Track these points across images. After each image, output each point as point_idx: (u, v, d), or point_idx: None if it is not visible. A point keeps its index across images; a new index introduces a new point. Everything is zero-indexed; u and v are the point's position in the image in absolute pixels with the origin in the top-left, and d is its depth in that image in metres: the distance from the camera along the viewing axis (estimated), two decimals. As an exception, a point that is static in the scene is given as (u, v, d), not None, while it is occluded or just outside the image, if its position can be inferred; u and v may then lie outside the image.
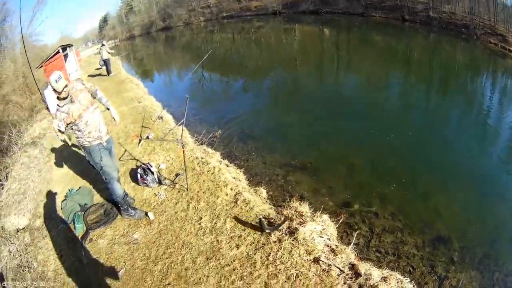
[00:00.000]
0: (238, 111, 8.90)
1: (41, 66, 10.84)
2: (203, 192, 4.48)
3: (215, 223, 3.94)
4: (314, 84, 10.67)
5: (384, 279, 2.95)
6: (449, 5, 15.13)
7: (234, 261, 3.44)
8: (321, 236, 3.51)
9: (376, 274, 2.98)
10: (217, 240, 3.72)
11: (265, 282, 3.15)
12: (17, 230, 4.89)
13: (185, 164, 4.50)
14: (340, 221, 3.88)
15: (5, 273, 4.24)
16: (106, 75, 13.54)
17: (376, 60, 10.84)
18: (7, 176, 6.22)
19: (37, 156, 6.96)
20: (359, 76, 10.64)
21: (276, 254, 3.35)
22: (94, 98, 4.06)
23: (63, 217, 4.78)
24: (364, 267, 3.06)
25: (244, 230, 3.74)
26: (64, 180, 5.60)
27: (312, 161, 5.84)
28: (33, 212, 5.07)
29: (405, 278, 3.00)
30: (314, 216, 3.76)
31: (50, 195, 5.34)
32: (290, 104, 9.02)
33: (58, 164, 6.16)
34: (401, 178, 5.14)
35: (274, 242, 3.48)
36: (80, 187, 5.26)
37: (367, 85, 9.82)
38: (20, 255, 4.43)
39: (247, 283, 3.19)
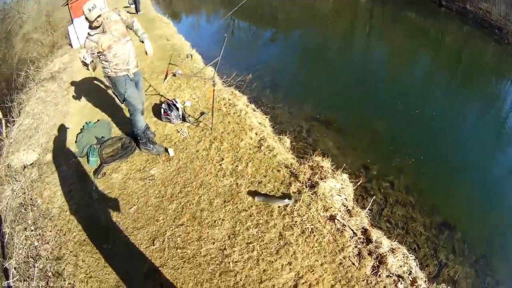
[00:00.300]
0: (268, 60, 8.85)
1: (67, 4, 10.52)
2: (227, 134, 4.40)
3: (237, 166, 3.89)
4: (344, 46, 10.58)
5: (392, 250, 2.95)
6: (486, 3, 14.38)
7: (251, 207, 3.41)
8: (339, 195, 3.47)
9: (386, 243, 2.97)
10: (237, 184, 3.68)
11: (280, 232, 3.14)
12: (24, 167, 4.83)
13: (213, 102, 4.41)
14: (358, 184, 3.82)
15: (4, 215, 4.20)
16: (134, 13, 13.13)
17: (406, 36, 10.57)
18: (19, 112, 6.10)
19: (54, 90, 6.81)
20: (389, 48, 10.44)
21: (294, 206, 3.30)
22: (130, 29, 3.96)
23: (77, 150, 4.69)
24: (376, 234, 3.05)
25: (265, 177, 3.68)
26: (82, 113, 5.48)
27: (337, 120, 5.84)
28: (44, 147, 4.99)
29: (411, 255, 2.99)
30: (334, 173, 3.70)
31: (65, 129, 5.25)
32: (320, 61, 8.91)
33: (77, 96, 5.98)
34: (420, 155, 5.16)
35: (294, 193, 3.42)
36: (98, 120, 5.14)
37: (395, 58, 9.66)
38: (24, 193, 4.38)
39: (262, 231, 3.18)
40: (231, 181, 3.74)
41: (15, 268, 3.60)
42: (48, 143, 5.05)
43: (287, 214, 3.28)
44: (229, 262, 3.03)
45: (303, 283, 2.77)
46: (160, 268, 3.15)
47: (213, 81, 4.38)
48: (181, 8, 19.43)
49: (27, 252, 3.75)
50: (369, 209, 3.53)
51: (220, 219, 3.40)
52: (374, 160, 5.02)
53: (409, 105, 6.44)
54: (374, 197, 4.22)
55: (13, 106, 6.30)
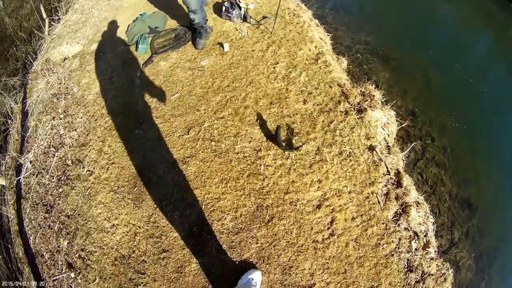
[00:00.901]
0: None
1: None
2: (287, 40, 4.10)
3: (290, 72, 3.63)
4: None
5: (417, 204, 2.78)
6: None
7: (296, 114, 3.22)
8: (383, 128, 3.29)
9: (413, 194, 2.81)
10: (287, 89, 3.45)
11: (318, 147, 2.97)
12: (65, 58, 4.63)
13: (279, 5, 4.10)
14: (402, 125, 3.67)
15: (32, 108, 4.07)
16: None
17: (474, 17, 9.74)
18: (67, 11, 5.93)
19: None
20: (457, 20, 9.63)
21: (338, 125, 3.12)
22: None
23: (127, 39, 4.46)
24: (407, 180, 2.86)
25: (316, 89, 3.45)
26: (136, 7, 5.18)
27: (397, 59, 5.61)
28: (91, 38, 4.78)
29: (431, 217, 2.82)
30: (383, 106, 3.51)
31: (116, 20, 5.01)
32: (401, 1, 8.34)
33: None
34: (465, 124, 4.83)
35: (341, 112, 3.22)
36: (153, 12, 4.84)
37: (472, 26, 8.81)
38: (60, 83, 4.21)
39: (301, 141, 3.00)
40: (281, 85, 3.50)
41: (31, 162, 3.48)
42: (96, 34, 4.84)
43: (330, 131, 3.08)
44: (260, 165, 2.87)
45: (326, 206, 2.64)
46: (188, 159, 2.99)
47: None
48: None
49: (50, 142, 3.59)
50: (406, 154, 3.37)
51: (262, 119, 3.21)
52: (421, 109, 4.78)
53: (470, 73, 6.06)
54: (414, 143, 4.09)
55: (60, 5, 6.11)
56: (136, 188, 2.92)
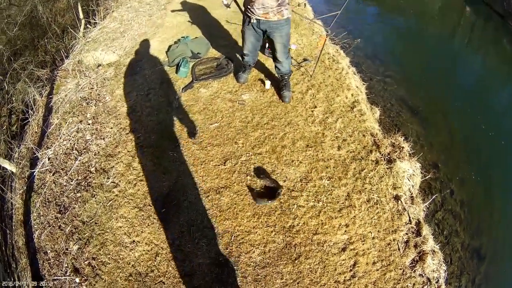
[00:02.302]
0: (374, 35, 9.01)
1: None
2: (325, 85, 4.25)
3: (327, 117, 3.77)
4: (446, 49, 10.16)
5: (433, 252, 2.89)
6: None
7: (330, 159, 3.33)
8: (408, 180, 3.41)
9: (431, 243, 2.91)
10: (323, 134, 3.58)
11: (348, 193, 3.07)
12: (99, 65, 4.68)
13: (321, 51, 4.25)
14: (426, 178, 3.79)
15: (57, 106, 4.08)
16: None
17: (500, 60, 10.28)
18: (104, 16, 6.03)
19: (150, 3, 6.66)
20: (485, 65, 10.12)
21: (369, 173, 3.23)
22: None
23: (167, 59, 4.55)
24: (426, 229, 2.97)
25: (350, 136, 3.59)
26: (179, 28, 5.31)
27: (425, 111, 5.88)
28: (128, 51, 4.84)
29: (443, 265, 2.93)
30: (411, 158, 3.64)
31: (156, 38, 5.10)
32: (423, 53, 8.85)
33: (176, 14, 5.87)
34: (486, 176, 5.03)
35: (372, 161, 3.35)
36: (196, 37, 4.95)
37: (493, 85, 9.27)
38: (92, 88, 4.24)
39: (333, 185, 3.11)
40: (318, 129, 3.64)
41: (49, 159, 3.47)
42: (133, 48, 4.90)
43: (360, 178, 3.19)
44: (293, 204, 2.95)
45: (351, 249, 2.71)
46: (222, 189, 3.05)
47: (328, 30, 4.34)
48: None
49: (73, 144, 3.59)
50: (427, 205, 3.48)
51: (298, 160, 3.30)
52: (444, 161, 5.01)
53: (489, 125, 6.27)
54: (435, 195, 4.26)
55: (99, 10, 6.22)
56: (164, 210, 2.94)
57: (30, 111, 4.22)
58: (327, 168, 3.25)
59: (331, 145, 3.47)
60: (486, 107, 7.08)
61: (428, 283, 2.65)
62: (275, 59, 3.64)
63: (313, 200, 3.00)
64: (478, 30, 13.86)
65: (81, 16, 5.67)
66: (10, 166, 3.46)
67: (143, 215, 2.93)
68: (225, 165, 3.24)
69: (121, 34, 5.31)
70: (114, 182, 3.16)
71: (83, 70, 4.57)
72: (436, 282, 2.71)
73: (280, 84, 3.90)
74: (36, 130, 3.97)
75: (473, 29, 13.76)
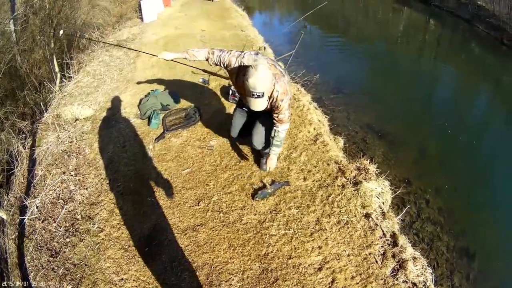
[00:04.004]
0: (335, 66, 9.39)
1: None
2: None
3: (291, 152, 4.07)
4: (409, 67, 10.75)
5: (414, 259, 3.04)
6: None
7: (297, 190, 3.61)
8: (378, 197, 3.63)
9: (409, 251, 3.07)
10: (288, 168, 3.87)
11: (317, 218, 3.32)
12: (76, 119, 4.99)
13: None
14: (396, 193, 4.01)
15: (41, 158, 4.32)
16: (210, 0, 13.13)
17: (469, 70, 10.82)
18: (78, 70, 6.31)
19: (120, 57, 7.05)
20: (451, 77, 10.64)
21: (336, 198, 3.50)
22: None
23: (139, 112, 4.89)
24: (402, 239, 3.16)
25: (315, 167, 3.88)
26: (149, 83, 5.65)
27: (391, 133, 6.24)
28: (102, 105, 5.18)
29: (429, 269, 3.09)
30: (378, 178, 3.90)
31: (128, 92, 5.43)
32: (385, 76, 9.29)
33: (145, 67, 6.23)
34: (461, 183, 5.41)
35: (338, 186, 3.63)
36: (166, 89, 5.31)
37: (456, 88, 9.89)
38: (71, 142, 4.52)
39: (302, 213, 3.37)
40: (283, 165, 3.92)
41: (37, 207, 3.74)
42: (107, 102, 5.24)
43: (328, 203, 3.46)
44: (265, 234, 3.20)
45: (327, 268, 2.90)
46: (198, 227, 3.34)
47: (284, 71, 4.38)
48: (255, 4, 19.54)
49: (59, 194, 3.88)
50: (401, 218, 3.67)
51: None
52: (416, 176, 5.31)
53: (459, 135, 6.68)
54: (408, 207, 4.50)
55: (72, 64, 6.50)
56: (147, 249, 3.24)
57: (15, 161, 4.46)
58: (294, 198, 3.56)
59: (297, 177, 3.79)
60: (456, 115, 7.53)
61: (415, 287, 2.84)
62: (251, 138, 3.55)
63: (284, 228, 3.28)
64: (445, 41, 14.37)
65: (57, 69, 5.97)
66: (1, 213, 3.70)
67: (128, 255, 3.21)
68: (199, 205, 3.58)
69: (95, 88, 5.64)
70: (99, 227, 3.47)
71: (62, 124, 4.87)
72: (423, 285, 2.89)
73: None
74: (22, 180, 4.22)
75: (440, 41, 14.25)
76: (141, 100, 5.10)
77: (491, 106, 9.22)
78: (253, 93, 2.62)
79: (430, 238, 4.44)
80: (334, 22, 16.19)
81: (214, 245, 3.19)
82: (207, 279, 2.94)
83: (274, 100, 2.88)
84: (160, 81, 5.74)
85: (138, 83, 5.67)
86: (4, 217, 3.68)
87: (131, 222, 3.49)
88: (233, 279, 2.91)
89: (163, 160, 4.13)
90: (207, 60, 3.21)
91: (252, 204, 3.53)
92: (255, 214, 3.43)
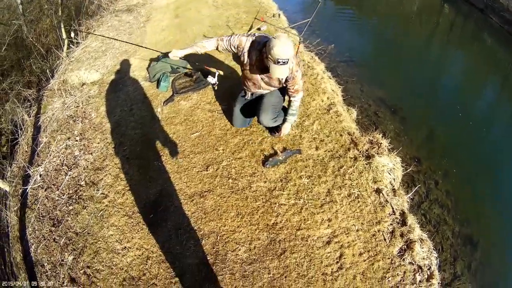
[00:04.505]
0: (349, 39, 9.17)
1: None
2: None
3: (304, 120, 3.92)
4: (423, 48, 10.37)
5: (421, 240, 2.96)
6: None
7: (308, 159, 3.47)
8: (389, 173, 3.53)
9: (417, 232, 3.00)
10: (300, 136, 3.73)
11: (328, 189, 3.19)
12: (83, 83, 4.83)
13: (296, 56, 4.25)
14: (407, 171, 3.91)
15: (45, 125, 4.21)
16: None
17: (480, 58, 10.39)
18: (86, 36, 6.14)
19: (130, 22, 6.86)
20: (463, 63, 10.36)
21: (348, 170, 3.37)
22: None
23: (148, 75, 4.70)
24: (411, 219, 3.07)
25: (327, 137, 3.74)
26: (158, 45, 5.45)
27: (403, 110, 6.05)
28: (110, 69, 5.01)
29: (434, 253, 2.99)
30: (389, 153, 3.78)
31: (137, 56, 5.23)
32: (399, 54, 9.07)
33: (155, 31, 6.03)
34: (469, 169, 5.25)
35: (350, 158, 3.49)
36: None
37: (467, 75, 9.54)
38: (77, 106, 4.39)
39: (313, 184, 3.24)
40: (295, 132, 3.76)
41: (40, 175, 3.61)
42: (115, 66, 5.05)
43: (340, 175, 3.32)
44: (274, 203, 3.08)
45: (335, 242, 2.81)
46: (206, 193, 3.20)
47: (300, 38, 4.45)
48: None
49: (63, 160, 3.74)
50: (410, 197, 3.57)
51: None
52: (426, 156, 5.17)
53: (469, 120, 6.49)
54: (418, 187, 4.35)
55: (81, 29, 6.33)
56: (152, 215, 3.08)
57: (19, 131, 4.34)
58: (306, 167, 3.39)
59: (309, 146, 3.61)
60: (466, 101, 7.30)
61: (420, 270, 2.72)
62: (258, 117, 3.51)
63: (294, 198, 3.13)
64: (458, 27, 13.98)
65: (64, 36, 5.79)
66: (3, 185, 3.57)
67: (132, 222, 3.07)
68: (207, 171, 3.39)
69: (103, 53, 5.46)
70: (103, 194, 3.32)
71: (68, 89, 4.71)
72: (428, 269, 2.78)
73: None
74: (26, 149, 4.08)
75: (453, 26, 13.89)
76: (150, 62, 4.88)
77: (501, 98, 8.91)
78: (279, 60, 2.66)
79: (437, 221, 4.30)
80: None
81: (222, 212, 3.05)
82: (213, 248, 2.81)
83: (290, 71, 2.93)
84: (170, 45, 5.52)
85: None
86: (7, 189, 3.57)
87: (137, 187, 3.33)
88: (239, 249, 2.80)
89: (171, 123, 3.98)
90: (216, 48, 3.21)
91: (262, 171, 3.35)
92: (265, 182, 3.27)
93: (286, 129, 3.48)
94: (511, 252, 4.29)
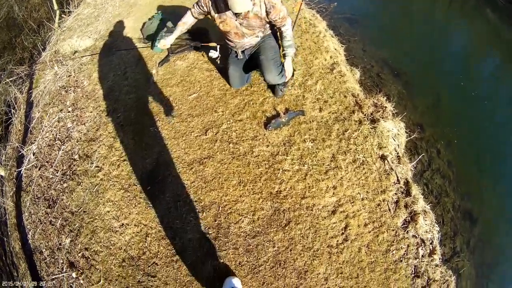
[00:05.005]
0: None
1: None
2: (303, 49, 4.09)
3: (306, 80, 3.64)
4: (426, 14, 9.66)
5: (424, 212, 2.86)
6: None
7: (312, 121, 3.23)
8: (393, 139, 3.36)
9: (421, 203, 2.88)
10: (303, 96, 3.46)
11: (333, 154, 3.00)
12: (75, 51, 4.55)
13: (297, 15, 4.08)
14: (411, 137, 3.77)
15: (38, 99, 4.00)
16: None
17: (481, 34, 9.94)
18: (78, 4, 5.83)
19: None
20: (464, 38, 9.67)
21: (353, 134, 3.15)
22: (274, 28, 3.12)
23: (141, 36, 4.41)
24: (415, 189, 2.92)
25: (331, 98, 3.48)
26: (152, 5, 5.11)
27: (407, 74, 5.78)
28: (103, 34, 4.70)
29: (436, 226, 2.90)
30: (394, 118, 3.59)
31: (131, 17, 4.93)
32: (403, 19, 8.57)
33: None
34: (472, 139, 5.05)
35: (355, 121, 3.25)
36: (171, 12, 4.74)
37: (470, 49, 8.77)
38: (69, 76, 4.14)
39: (317, 148, 3.04)
40: (298, 92, 3.51)
41: (34, 154, 3.41)
42: (108, 30, 4.76)
43: (344, 139, 3.11)
44: (278, 169, 2.88)
45: (341, 212, 2.68)
46: (205, 160, 2.98)
47: None
48: None
49: (56, 135, 3.53)
50: (414, 165, 3.44)
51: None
52: (429, 123, 4.96)
53: (476, 90, 6.20)
54: (422, 155, 4.23)
55: None
56: (149, 187, 2.86)
57: (12, 110, 4.14)
58: (309, 130, 3.16)
59: (312, 107, 3.36)
60: (473, 73, 6.99)
61: (422, 244, 2.62)
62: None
63: (298, 164, 2.92)
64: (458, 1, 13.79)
65: (56, 7, 5.51)
66: None
67: (129, 195, 2.87)
68: (206, 135, 3.15)
69: (95, 18, 5.16)
70: (98, 166, 3.10)
71: (60, 59, 4.44)
72: (431, 244, 2.69)
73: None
74: (20, 128, 3.88)
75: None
76: (144, 23, 4.56)
77: (503, 75, 8.07)
78: None
79: (438, 191, 4.09)
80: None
81: (223, 181, 2.85)
82: (215, 220, 2.65)
83: (267, 1, 2.70)
84: (164, 4, 5.17)
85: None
86: (2, 173, 3.37)
87: (132, 157, 3.11)
88: (243, 221, 2.65)
89: (167, 85, 3.70)
90: (194, 17, 3.08)
91: (264, 134, 3.13)
92: (267, 146, 3.06)
93: (289, 66, 3.11)
94: (510, 230, 4.14)
